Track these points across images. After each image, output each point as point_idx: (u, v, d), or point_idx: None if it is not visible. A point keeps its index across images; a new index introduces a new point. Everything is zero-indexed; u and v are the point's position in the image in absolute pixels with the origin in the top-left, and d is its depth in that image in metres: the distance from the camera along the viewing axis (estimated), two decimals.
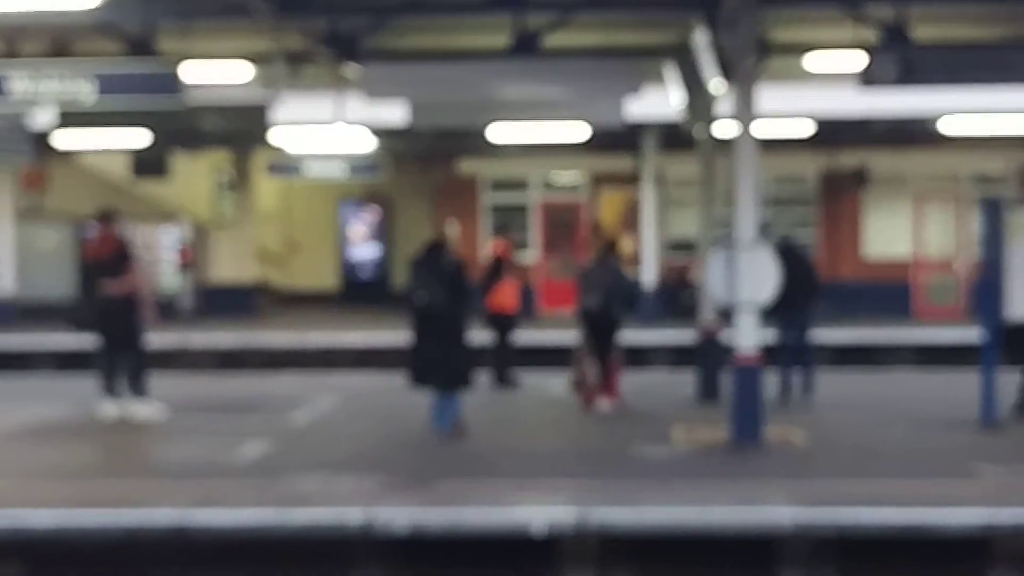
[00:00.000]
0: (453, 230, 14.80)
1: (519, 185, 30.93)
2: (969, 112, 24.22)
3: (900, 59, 15.27)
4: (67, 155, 29.90)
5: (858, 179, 29.92)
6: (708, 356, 16.85)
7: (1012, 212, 14.41)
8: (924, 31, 16.47)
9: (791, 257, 16.05)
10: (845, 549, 10.17)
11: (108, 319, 15.40)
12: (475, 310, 15.63)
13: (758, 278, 13.36)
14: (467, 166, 30.73)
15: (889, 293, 29.52)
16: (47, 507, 10.55)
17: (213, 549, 10.26)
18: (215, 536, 10.25)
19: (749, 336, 13.38)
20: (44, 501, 10.78)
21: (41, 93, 14.96)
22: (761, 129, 13.56)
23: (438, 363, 14.05)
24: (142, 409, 15.52)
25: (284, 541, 10.22)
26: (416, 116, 17.81)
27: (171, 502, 10.66)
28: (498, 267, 18.25)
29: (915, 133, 27.80)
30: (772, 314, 14.61)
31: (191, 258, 31.54)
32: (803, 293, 16.21)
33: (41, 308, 27.17)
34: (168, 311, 27.59)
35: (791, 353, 16.65)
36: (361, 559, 10.25)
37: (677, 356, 23.11)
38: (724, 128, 16.40)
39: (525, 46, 16.47)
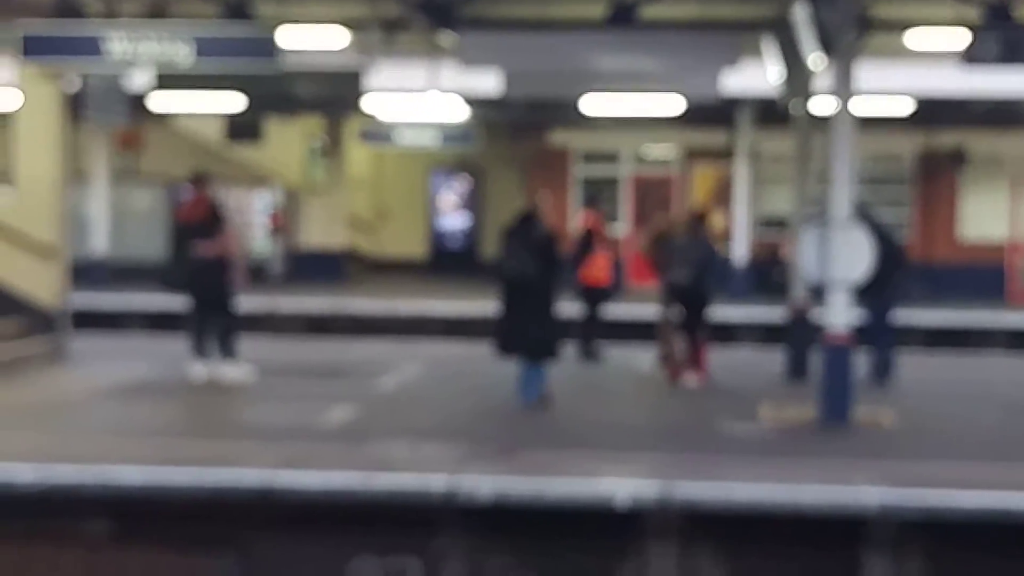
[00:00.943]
0: (545, 201, 14.82)
1: (610, 158, 30.86)
2: None
3: (1003, 38, 15.09)
4: (162, 118, 30.20)
5: (955, 160, 29.59)
6: (798, 334, 16.77)
7: None
8: None
9: (875, 235, 15.93)
10: (933, 532, 10.11)
11: (199, 281, 15.56)
12: (566, 282, 15.63)
13: (851, 257, 13.28)
14: (559, 137, 30.69)
15: (984, 276, 29.20)
16: (136, 464, 10.69)
17: (298, 511, 10.36)
18: (301, 498, 10.34)
19: (840, 315, 13.30)
20: (133, 458, 10.92)
21: (138, 55, 15.07)
22: (859, 106, 13.43)
23: (526, 334, 14.08)
24: (231, 371, 15.67)
25: (369, 505, 10.29)
26: (510, 86, 17.81)
27: (258, 463, 10.76)
28: (589, 239, 18.23)
29: (1015, 114, 27.47)
30: (860, 294, 14.49)
31: (282, 223, 31.80)
32: (887, 273, 16.05)
33: (133, 269, 27.51)
34: (259, 275, 27.93)
35: (877, 333, 16.50)
36: (445, 526, 10.31)
37: (766, 334, 22.98)
38: (821, 104, 16.28)
39: (622, 17, 16.40)
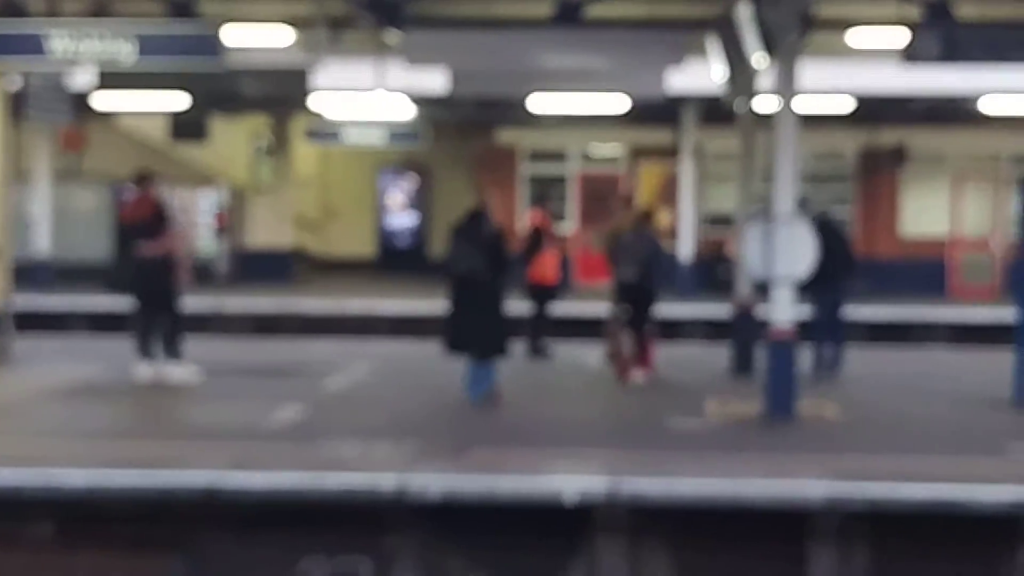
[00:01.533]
0: (492, 200, 14.82)
1: (558, 156, 30.93)
2: (1010, 92, 24.14)
3: (943, 36, 15.23)
4: (106, 116, 30.01)
5: (897, 157, 29.82)
6: (743, 330, 16.85)
7: None
8: (967, 9, 16.41)
9: (827, 232, 16.04)
10: (877, 524, 10.17)
11: (144, 281, 15.47)
12: (515, 280, 15.64)
13: (795, 253, 13.35)
14: (506, 136, 30.73)
15: (925, 271, 29.46)
16: (80, 466, 10.61)
17: (246, 511, 10.32)
18: (249, 498, 10.30)
19: (785, 311, 13.37)
20: (78, 460, 10.84)
21: (81, 53, 14.99)
22: (802, 104, 13.50)
23: (475, 332, 14.08)
24: (177, 371, 15.60)
25: (318, 505, 10.27)
26: (457, 84, 17.82)
27: (205, 464, 10.71)
28: (538, 238, 18.23)
29: (955, 112, 27.71)
30: (807, 289, 14.57)
31: (228, 222, 31.66)
32: (838, 269, 16.19)
33: (77, 269, 27.31)
34: (204, 275, 27.85)
35: (824, 328, 16.60)
36: (395, 525, 10.30)
37: (712, 330, 23.09)
38: (765, 103, 16.35)
39: (568, 15, 16.46)
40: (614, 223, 17.13)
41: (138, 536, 10.42)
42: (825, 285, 15.77)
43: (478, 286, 13.96)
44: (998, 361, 16.02)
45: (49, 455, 11.04)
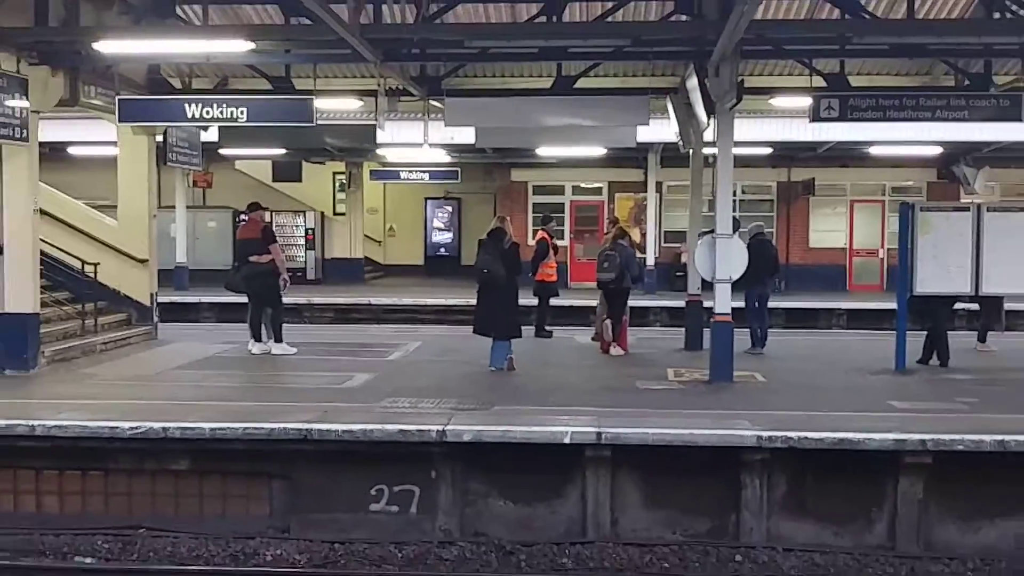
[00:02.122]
0: (508, 221, 14.81)
1: (557, 189, 30.83)
2: (891, 141, 24.09)
3: (841, 100, 15.17)
4: (226, 162, 30.09)
5: (807, 189, 29.70)
6: (694, 316, 16.82)
7: (920, 214, 14.31)
8: (859, 80, 16.39)
9: (759, 244, 16.02)
10: (793, 459, 10.16)
11: (254, 283, 15.52)
12: (525, 280, 15.63)
13: (731, 260, 13.34)
14: (519, 174, 30.65)
15: (829, 273, 29.36)
16: (207, 419, 10.65)
17: (329, 451, 10.34)
18: (331, 441, 10.31)
19: (724, 302, 13.34)
20: (205, 413, 10.88)
21: (208, 116, 15.02)
22: (736, 150, 13.46)
23: (495, 318, 14.08)
24: (279, 348, 15.64)
25: (382, 446, 10.28)
26: (481, 138, 17.82)
27: (299, 416, 10.74)
28: (545, 249, 18.22)
29: (851, 154, 27.62)
30: (741, 285, 14.52)
31: (315, 239, 31.70)
32: (766, 271, 16.17)
33: (206, 273, 27.37)
34: (298, 277, 27.83)
35: (754, 315, 16.56)
36: (437, 461, 10.31)
37: (671, 316, 23.08)
38: (709, 149, 16.32)
39: (563, 86, 16.44)
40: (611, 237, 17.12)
41: (250, 468, 10.46)
42: (756, 283, 15.76)
43: (498, 285, 13.96)
44: (883, 340, 15.99)
45: (186, 409, 11.10)
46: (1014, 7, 13.84)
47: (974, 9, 15.46)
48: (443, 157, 27.05)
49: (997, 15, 13.96)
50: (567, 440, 10.14)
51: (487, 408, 11.35)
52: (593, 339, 16.97)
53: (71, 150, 26.63)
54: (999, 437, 10.03)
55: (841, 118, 15.24)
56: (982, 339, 16.78)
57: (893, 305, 15.09)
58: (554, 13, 13.98)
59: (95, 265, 16.71)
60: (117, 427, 10.40)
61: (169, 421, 10.47)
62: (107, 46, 13.31)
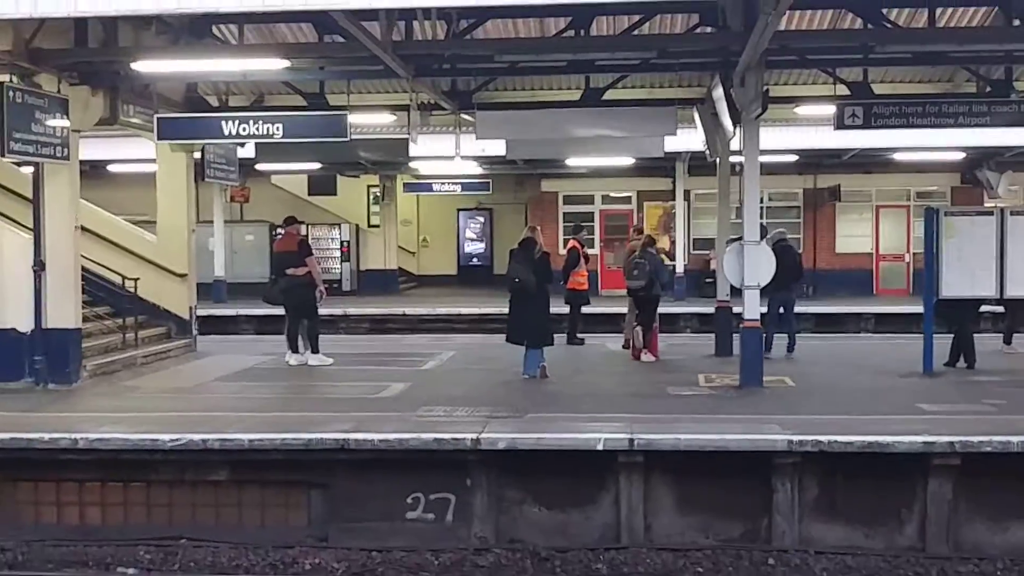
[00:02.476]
0: (538, 231, 14.79)
1: (587, 199, 30.80)
2: (915, 147, 23.92)
3: (864, 108, 15.07)
4: (263, 176, 30.22)
5: (833, 195, 29.52)
6: (723, 323, 16.71)
7: (945, 218, 14.18)
8: (882, 88, 16.27)
9: (783, 251, 15.89)
10: (823, 462, 10.07)
11: (291, 295, 15.55)
12: (556, 288, 15.61)
13: (759, 267, 13.25)
14: (549, 185, 30.65)
15: (856, 278, 29.19)
16: (246, 429, 10.66)
17: (367, 459, 10.32)
18: (368, 450, 10.30)
19: (753, 308, 13.25)
20: (244, 424, 10.90)
21: (244, 133, 15.09)
22: (762, 158, 13.38)
23: (527, 327, 14.05)
24: (316, 359, 15.66)
25: (418, 454, 10.26)
26: (512, 149, 17.83)
27: (336, 425, 10.73)
28: (576, 258, 18.18)
29: (876, 161, 27.46)
30: (766, 292, 14.42)
31: (351, 251, 31.79)
32: (789, 277, 16.04)
33: (244, 286, 27.49)
34: (334, 289, 27.90)
35: (776, 320, 16.44)
36: (472, 469, 10.28)
37: (701, 322, 22.98)
38: (735, 157, 16.24)
39: (592, 98, 16.41)
40: (633, 246, 17.06)
41: (288, 478, 10.46)
42: (779, 289, 15.64)
43: (529, 294, 13.93)
44: (911, 343, 15.83)
45: (225, 421, 11.12)
46: None
47: (994, 17, 15.30)
48: (475, 169, 27.06)
49: (1017, 22, 13.82)
50: (600, 447, 10.08)
51: (521, 416, 11.30)
52: (624, 346, 16.90)
53: (111, 167, 26.83)
54: None
55: (865, 125, 15.16)
56: (1008, 341, 16.60)
57: (920, 309, 14.92)
58: (582, 27, 13.96)
59: (135, 280, 16.80)
60: (158, 439, 10.43)
61: (209, 433, 10.49)
62: (145, 66, 13.39)
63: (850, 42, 14.47)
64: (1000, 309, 17.39)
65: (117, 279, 16.89)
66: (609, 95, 16.60)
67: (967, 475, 9.94)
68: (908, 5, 15.28)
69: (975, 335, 15.04)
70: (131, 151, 23.02)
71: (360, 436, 10.34)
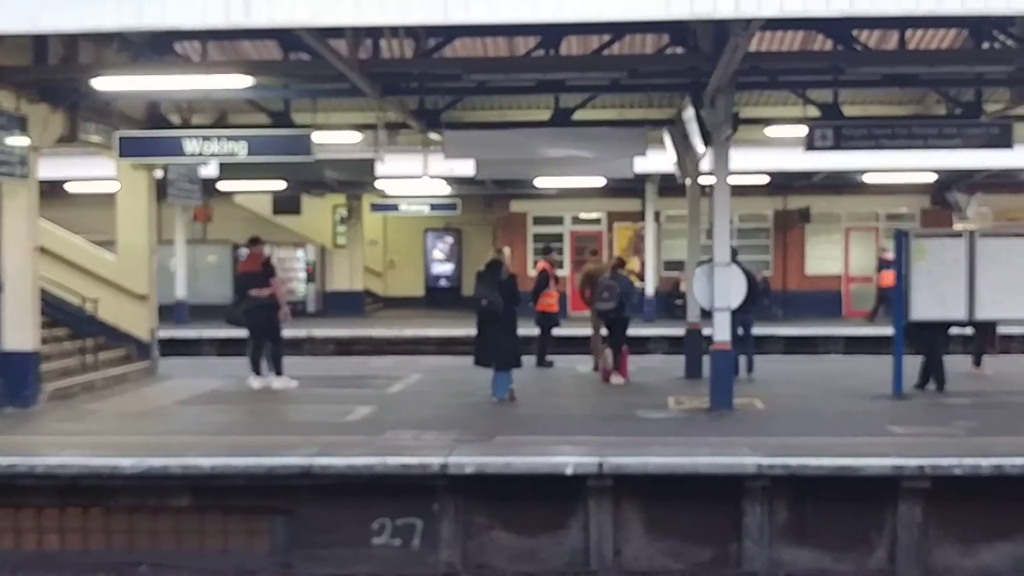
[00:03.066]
0: (507, 253, 14.82)
1: (556, 220, 30.87)
2: (884, 169, 24.15)
3: (834, 130, 15.22)
4: (226, 196, 30.10)
5: (803, 216, 29.75)
6: (693, 344, 16.77)
7: (914, 241, 14.33)
8: (852, 109, 16.44)
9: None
10: (794, 485, 10.11)
11: (255, 316, 15.48)
12: (525, 311, 15.62)
13: (729, 289, 13.32)
14: (518, 205, 30.70)
15: (825, 300, 29.35)
16: (208, 454, 10.59)
17: (332, 484, 10.27)
18: (333, 475, 10.26)
19: (723, 330, 13.31)
20: (206, 449, 10.83)
21: (207, 152, 15.05)
22: (732, 180, 13.47)
23: (496, 349, 14.05)
24: (279, 382, 15.59)
25: (384, 479, 10.22)
26: (481, 169, 17.84)
27: (301, 450, 10.67)
28: (546, 280, 18.21)
29: (845, 182, 27.69)
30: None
31: (315, 272, 31.68)
32: (748, 299, 16.06)
33: (206, 307, 27.32)
34: (299, 310, 27.79)
35: (736, 341, 16.45)
36: (440, 493, 10.25)
37: (671, 345, 23.03)
38: (705, 179, 16.34)
39: (561, 118, 16.48)
40: (588, 269, 17.12)
41: (251, 504, 10.39)
42: (736, 310, 15.64)
43: (497, 316, 13.94)
44: (880, 365, 15.94)
45: (186, 445, 11.04)
46: (1001, 37, 13.90)
47: (963, 39, 15.52)
48: (443, 189, 27.08)
49: (986, 45, 14.02)
50: (569, 471, 10.08)
51: (489, 439, 11.29)
52: (594, 369, 16.92)
53: (70, 186, 26.66)
54: (996, 460, 10.00)
55: (835, 147, 15.29)
56: (977, 363, 16.76)
57: (889, 332, 15.04)
58: (551, 47, 14.02)
59: (95, 301, 16.67)
60: (118, 464, 10.34)
61: (170, 458, 10.41)
62: (106, 83, 13.33)
63: (820, 64, 14.61)
64: (970, 331, 17.56)
65: (76, 300, 16.76)
66: (579, 115, 16.68)
67: (937, 498, 10.01)
68: (878, 27, 15.46)
69: (945, 357, 15.17)
70: (91, 170, 22.87)
71: (325, 461, 10.29)
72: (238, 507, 10.41)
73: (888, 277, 27.28)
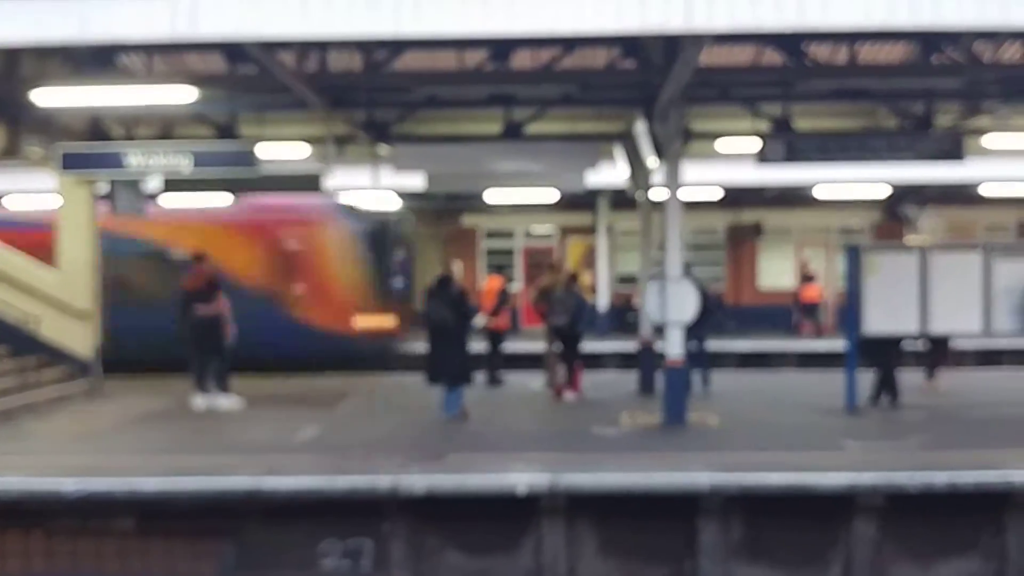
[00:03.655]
0: (458, 268, 14.80)
1: (507, 234, 30.89)
2: (836, 182, 24.37)
3: (785, 143, 15.33)
4: None
5: (755, 230, 29.97)
6: (646, 360, 16.81)
7: (866, 255, 14.47)
8: (803, 123, 16.56)
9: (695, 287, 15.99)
10: (748, 503, 10.15)
11: (200, 334, 15.33)
12: (475, 327, 15.59)
13: (682, 303, 13.37)
14: (469, 219, 30.70)
15: (777, 314, 29.51)
16: (153, 475, 10.46)
17: (279, 506, 10.18)
18: (280, 496, 10.17)
19: (675, 346, 13.37)
20: (151, 470, 10.70)
21: (151, 165, 14.92)
22: (684, 194, 13.55)
23: (449, 364, 14.01)
24: (225, 401, 15.43)
25: (332, 500, 10.15)
26: (431, 183, 17.78)
27: (247, 471, 10.57)
28: (504, 296, 18.19)
29: (797, 197, 27.90)
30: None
31: None
32: (701, 314, 16.12)
33: None
34: None
35: (691, 357, 16.54)
36: (390, 514, 10.18)
37: (623, 360, 23.06)
38: (657, 193, 16.40)
39: (512, 132, 16.48)
40: (543, 282, 17.12)
41: (197, 527, 10.27)
42: (691, 325, 15.72)
43: (447, 331, 13.90)
44: (833, 380, 16.06)
45: (130, 467, 10.90)
46: (949, 50, 14.09)
47: (913, 53, 15.71)
48: (392, 203, 26.94)
49: (936, 59, 14.20)
50: (522, 491, 10.05)
51: (440, 458, 11.24)
52: (547, 385, 16.91)
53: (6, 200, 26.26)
54: (950, 475, 10.10)
55: (787, 160, 15.39)
56: (930, 377, 16.93)
57: (841, 345, 15.15)
58: (502, 60, 14.03)
59: (36, 318, 16.42)
60: (60, 487, 10.18)
61: (114, 479, 10.27)
62: (47, 96, 13.16)
63: (771, 78, 14.73)
64: (923, 345, 17.73)
65: (16, 317, 16.50)
66: (532, 128, 16.69)
67: (891, 514, 10.10)
68: (829, 41, 15.61)
69: (898, 371, 15.31)
70: (31, 183, 22.54)
71: (272, 482, 10.20)
72: (184, 530, 10.28)
73: (811, 291, 27.72)
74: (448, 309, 13.91)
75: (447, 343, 13.96)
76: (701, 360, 16.64)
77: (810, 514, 10.13)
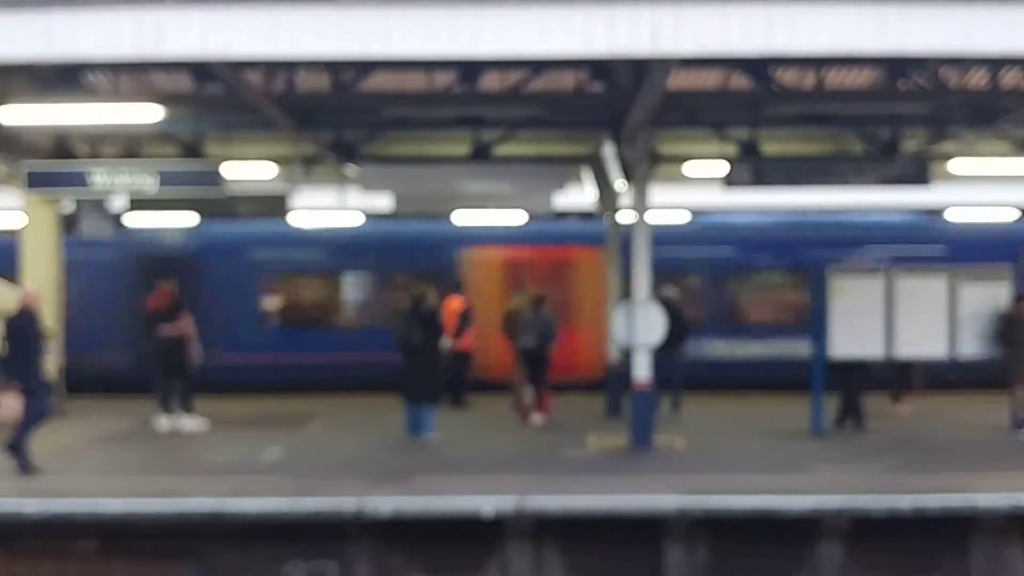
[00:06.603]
0: (432, 291, 14.85)
1: None
2: (804, 205, 24.48)
3: (753, 167, 15.47)
4: None
5: None
6: (613, 383, 16.85)
7: (833, 279, 14.61)
8: (770, 147, 16.72)
9: (666, 309, 16.08)
10: (714, 526, 10.22)
11: (164, 354, 15.29)
12: (444, 348, 15.63)
13: (649, 327, 13.45)
14: None
15: None
16: (117, 496, 10.43)
17: (243, 528, 10.17)
18: (244, 518, 10.15)
19: (643, 369, 13.44)
20: (114, 491, 10.66)
21: (116, 184, 14.90)
22: (651, 217, 13.64)
23: (422, 384, 14.10)
24: (189, 422, 15.39)
25: (296, 522, 10.14)
26: (399, 204, 17.79)
27: (211, 492, 10.55)
28: (468, 317, 18.21)
29: None
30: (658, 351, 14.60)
31: None
32: (675, 336, 16.22)
33: None
34: None
35: (663, 380, 16.61)
36: (355, 536, 10.19)
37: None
38: (625, 215, 16.50)
39: (480, 153, 16.54)
40: (511, 305, 17.18)
41: (161, 548, 10.25)
42: (665, 348, 15.81)
43: (417, 352, 13.96)
44: (799, 403, 16.16)
45: (93, 488, 10.85)
46: (915, 75, 14.29)
47: (879, 79, 15.91)
48: (360, 223, 26.88)
49: (900, 85, 14.39)
50: (488, 513, 10.09)
51: (407, 480, 11.26)
52: (514, 407, 16.93)
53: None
54: (915, 498, 10.23)
55: (754, 184, 15.53)
56: (895, 400, 17.07)
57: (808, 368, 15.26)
58: (470, 81, 14.11)
59: None
60: (21, 507, 10.13)
61: (76, 500, 10.23)
62: (12, 115, 13.12)
63: (739, 102, 14.87)
64: (889, 369, 17.87)
65: None
66: (500, 150, 16.76)
67: (857, 536, 10.21)
68: (796, 66, 15.79)
69: (864, 394, 15.44)
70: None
71: (236, 504, 10.19)
72: (147, 552, 10.25)
73: None
74: (420, 328, 13.96)
75: (420, 362, 14.03)
76: (672, 383, 16.70)
77: (776, 538, 10.22)
